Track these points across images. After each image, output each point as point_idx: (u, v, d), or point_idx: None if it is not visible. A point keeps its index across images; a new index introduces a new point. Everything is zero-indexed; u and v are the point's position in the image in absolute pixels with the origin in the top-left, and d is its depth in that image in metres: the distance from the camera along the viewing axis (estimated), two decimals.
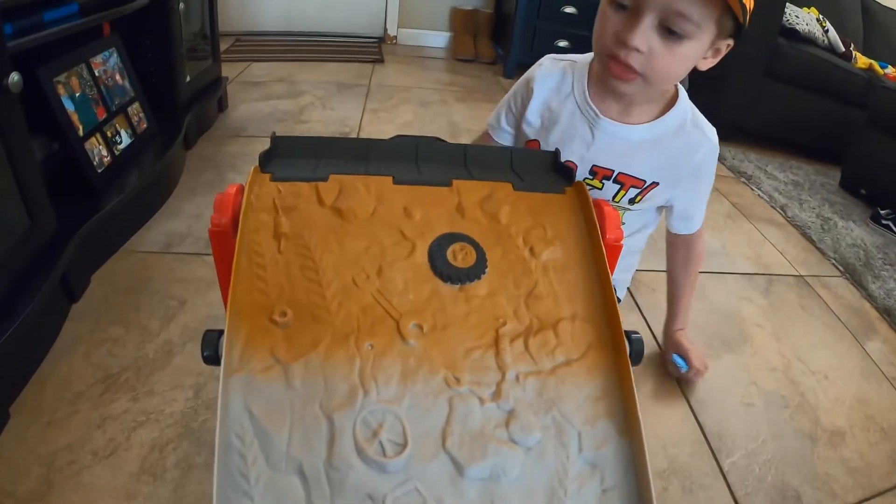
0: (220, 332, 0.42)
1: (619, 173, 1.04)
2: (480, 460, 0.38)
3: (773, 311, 1.76)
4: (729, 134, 3.07)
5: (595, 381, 0.43)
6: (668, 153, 1.05)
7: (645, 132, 1.02)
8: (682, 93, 1.06)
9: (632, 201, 1.11)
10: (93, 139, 1.54)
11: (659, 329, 1.55)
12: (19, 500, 0.97)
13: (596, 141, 1.02)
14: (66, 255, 1.29)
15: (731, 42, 0.90)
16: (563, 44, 3.41)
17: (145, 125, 1.81)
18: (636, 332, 0.46)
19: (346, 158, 0.56)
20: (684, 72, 0.91)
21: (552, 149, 0.66)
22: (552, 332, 0.45)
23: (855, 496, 1.23)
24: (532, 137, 1.07)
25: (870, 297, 1.94)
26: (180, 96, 2.05)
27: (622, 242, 0.54)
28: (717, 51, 0.92)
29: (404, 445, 0.38)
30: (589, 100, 1.01)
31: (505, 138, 1.17)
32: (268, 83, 2.94)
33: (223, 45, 2.52)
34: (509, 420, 0.40)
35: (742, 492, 1.18)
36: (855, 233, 2.38)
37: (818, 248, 2.20)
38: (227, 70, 2.60)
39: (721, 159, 2.81)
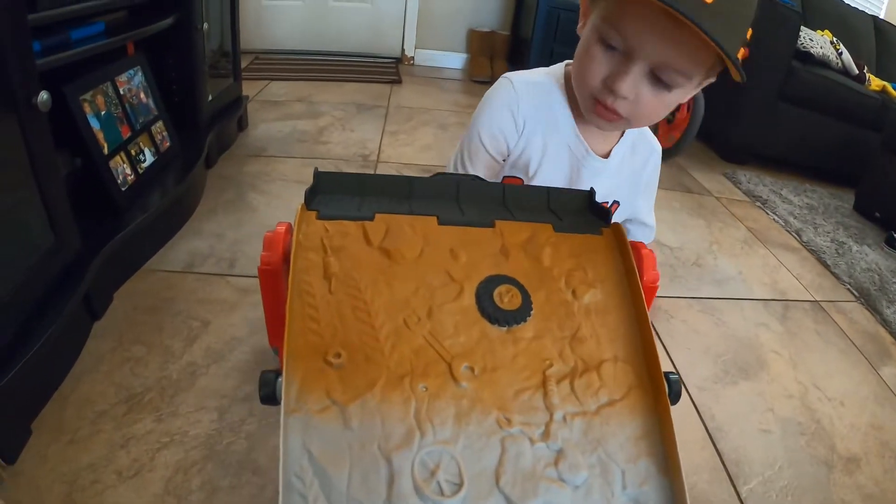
0: (278, 373, 0.43)
1: (614, 202, 1.05)
2: (532, 498, 0.39)
3: (790, 337, 1.76)
4: (744, 157, 3.11)
5: (636, 420, 0.44)
6: (627, 172, 1.04)
7: (617, 155, 1.00)
8: None
9: None
10: (117, 157, 1.56)
11: (680, 359, 1.56)
12: None
13: (581, 177, 1.00)
14: (90, 273, 1.31)
15: (714, 79, 0.84)
16: None
17: (168, 144, 1.84)
18: (674, 374, 0.47)
19: (389, 196, 0.57)
20: (666, 113, 0.88)
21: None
22: (596, 373, 0.46)
23: None
24: (513, 175, 1.04)
25: (884, 323, 1.94)
26: (202, 115, 2.07)
27: (658, 284, 0.56)
28: (700, 85, 0.87)
29: (461, 485, 0.39)
30: (578, 135, 0.97)
31: None
32: (287, 102, 2.97)
33: (242, 63, 2.54)
34: (558, 459, 0.41)
35: None
36: (870, 257, 2.38)
37: (833, 273, 2.20)
38: (247, 88, 2.62)
39: (736, 183, 2.83)
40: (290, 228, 0.55)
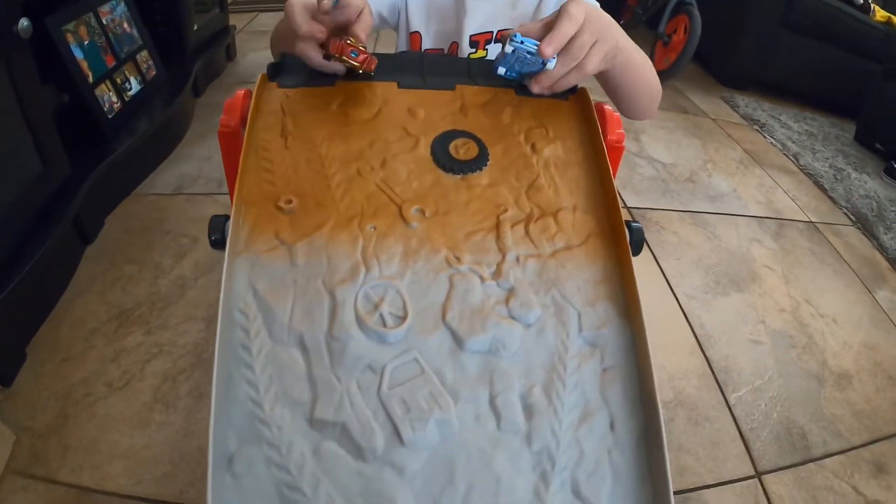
0: (227, 217, 0.42)
1: (499, 31, 1.00)
2: (480, 333, 0.38)
3: (784, 254, 1.76)
4: (743, 83, 3.06)
5: (595, 265, 0.44)
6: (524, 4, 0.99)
7: None
8: None
9: None
10: (102, 86, 1.55)
11: (669, 268, 1.56)
12: (37, 434, 1.00)
13: (467, 10, 0.97)
14: (79, 199, 1.31)
15: None
16: None
17: (154, 72, 1.81)
18: (636, 222, 0.47)
19: None
20: None
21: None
22: (553, 219, 0.46)
23: (860, 438, 1.25)
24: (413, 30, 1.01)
25: (881, 248, 1.94)
26: (188, 44, 2.04)
27: (623, 144, 0.55)
28: None
29: (404, 318, 0.38)
30: None
31: None
32: None
33: None
34: (509, 297, 0.41)
35: (748, 426, 1.19)
36: (868, 185, 2.36)
37: (830, 197, 2.18)
38: (235, 20, 2.59)
39: (734, 107, 2.80)
40: (248, 94, 0.54)
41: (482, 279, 0.41)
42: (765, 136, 2.58)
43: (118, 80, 1.62)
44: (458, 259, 0.42)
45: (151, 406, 1.06)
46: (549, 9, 0.97)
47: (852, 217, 2.08)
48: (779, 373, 1.34)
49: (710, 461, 1.11)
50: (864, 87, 2.75)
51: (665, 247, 1.66)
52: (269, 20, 3.08)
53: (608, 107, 0.55)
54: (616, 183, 0.49)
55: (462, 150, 0.49)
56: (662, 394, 1.21)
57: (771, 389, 1.29)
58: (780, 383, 1.31)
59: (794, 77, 2.99)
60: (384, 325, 0.38)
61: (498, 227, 0.44)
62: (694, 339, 1.37)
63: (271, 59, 0.59)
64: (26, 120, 1.18)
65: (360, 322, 0.38)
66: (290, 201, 0.43)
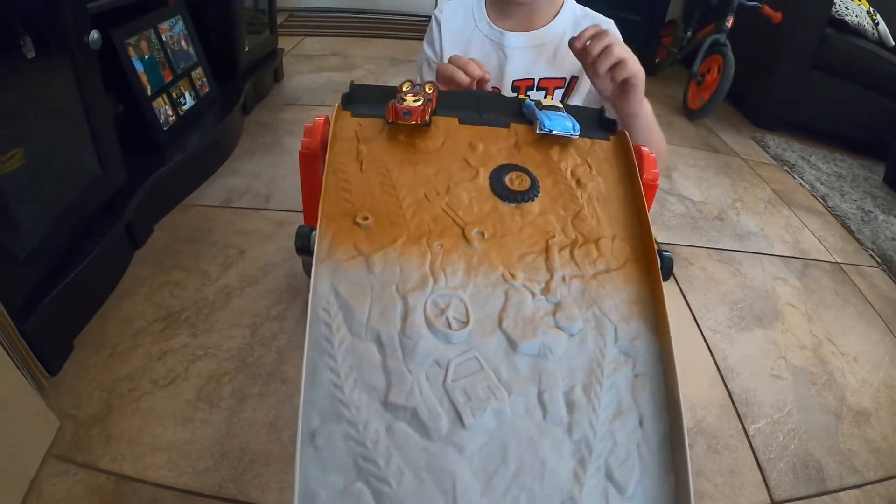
0: (311, 228, 0.49)
1: (540, 79, 1.09)
2: (531, 339, 0.44)
3: (808, 293, 1.77)
4: (774, 123, 3.08)
5: (630, 287, 0.49)
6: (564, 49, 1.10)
7: (547, 32, 1.07)
8: None
9: (562, 101, 1.15)
10: (159, 99, 1.64)
11: (696, 301, 1.60)
12: (80, 423, 1.06)
13: (509, 58, 1.08)
14: (133, 204, 1.39)
15: None
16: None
17: (207, 89, 1.91)
18: (667, 251, 0.52)
19: None
20: None
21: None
22: (594, 246, 0.52)
23: (876, 474, 1.26)
24: None
25: None
26: (240, 65, 2.15)
27: (658, 183, 0.61)
28: None
29: (466, 322, 0.44)
30: (491, 24, 1.09)
31: None
32: (322, 56, 3.04)
33: (277, 20, 2.61)
34: (556, 311, 0.46)
35: (765, 456, 1.22)
36: (895, 227, 2.36)
37: (856, 238, 2.19)
38: (282, 43, 2.69)
39: (764, 147, 2.82)
40: (327, 120, 0.61)
41: (533, 294, 0.47)
42: (794, 177, 2.60)
43: (174, 95, 1.71)
44: (513, 276, 0.48)
45: (195, 404, 1.11)
46: None
47: (878, 258, 2.09)
48: (798, 407, 1.36)
49: (727, 488, 1.14)
50: (894, 128, 2.76)
51: (692, 282, 1.69)
52: (314, 45, 3.21)
53: (645, 149, 0.61)
54: (649, 216, 0.55)
55: (516, 181, 0.56)
56: (686, 417, 1.24)
57: (789, 422, 1.32)
58: (799, 417, 1.33)
59: (824, 118, 3.01)
60: (449, 327, 0.44)
61: (547, 250, 0.50)
62: (716, 370, 1.40)
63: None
64: (90, 125, 1.26)
65: (428, 324, 0.44)
66: (366, 218, 0.50)
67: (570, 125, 0.61)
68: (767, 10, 2.73)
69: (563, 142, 0.62)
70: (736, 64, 2.68)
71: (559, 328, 0.45)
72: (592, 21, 1.09)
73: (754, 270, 1.82)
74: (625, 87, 0.77)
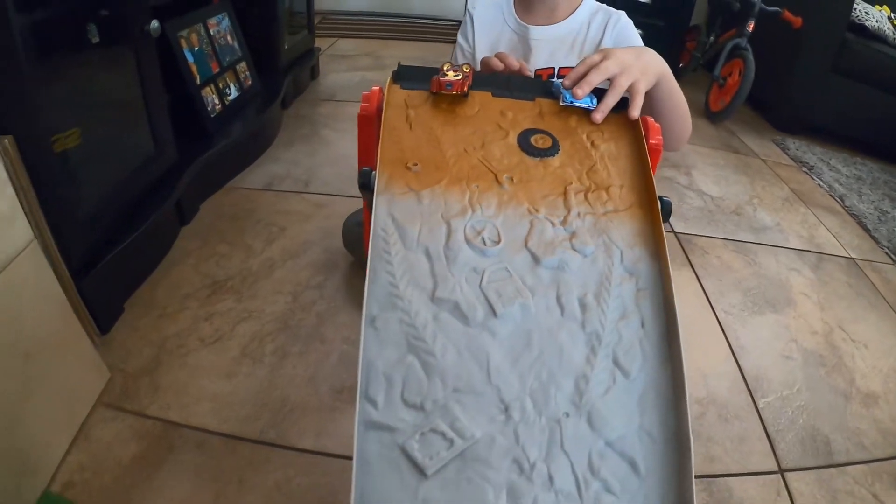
0: (371, 170, 0.59)
1: (560, 68, 1.19)
2: (551, 256, 0.53)
3: (821, 284, 1.83)
4: (795, 127, 3.13)
5: (635, 224, 0.59)
6: (591, 37, 1.20)
7: (566, 26, 1.18)
8: None
9: None
10: (207, 88, 1.76)
11: (710, 286, 1.68)
12: (129, 375, 1.16)
13: (533, 50, 1.19)
14: (182, 183, 1.50)
15: None
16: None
17: (250, 82, 2.03)
18: (667, 197, 0.61)
19: None
20: None
21: None
22: (605, 192, 0.61)
23: (884, 452, 1.31)
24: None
25: None
26: (280, 61, 2.28)
27: (661, 147, 0.70)
28: None
29: (498, 242, 0.54)
30: (518, 20, 1.20)
31: None
32: (355, 56, 3.17)
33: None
34: (572, 237, 0.56)
35: (774, 428, 1.29)
36: None
37: (872, 237, 2.24)
38: (319, 43, 2.83)
39: (784, 149, 2.88)
40: (381, 90, 0.72)
41: (553, 224, 0.57)
42: (812, 178, 2.64)
43: (220, 85, 1.83)
44: (537, 210, 0.58)
45: (239, 360, 1.21)
46: (619, 34, 1.18)
47: (893, 256, 2.13)
48: (807, 386, 1.42)
49: (736, 454, 1.22)
50: None
51: (707, 269, 1.77)
52: (347, 46, 3.34)
53: (651, 119, 0.71)
54: (651, 173, 0.65)
55: (540, 141, 0.66)
56: (696, 391, 1.33)
57: (798, 399, 1.38)
58: (808, 395, 1.40)
59: (845, 122, 3.05)
60: (485, 244, 0.53)
61: (565, 193, 0.60)
62: (728, 348, 1.47)
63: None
64: (147, 107, 1.38)
65: (467, 241, 0.53)
66: (415, 164, 0.60)
67: (588, 99, 0.71)
68: (788, 14, 2.79)
69: (580, 113, 0.72)
70: (756, 67, 2.75)
71: (574, 250, 0.54)
72: (605, 15, 1.19)
73: (769, 261, 1.89)
74: (631, 91, 0.85)
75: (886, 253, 2.14)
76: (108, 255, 1.21)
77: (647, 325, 0.51)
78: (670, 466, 0.44)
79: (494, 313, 0.49)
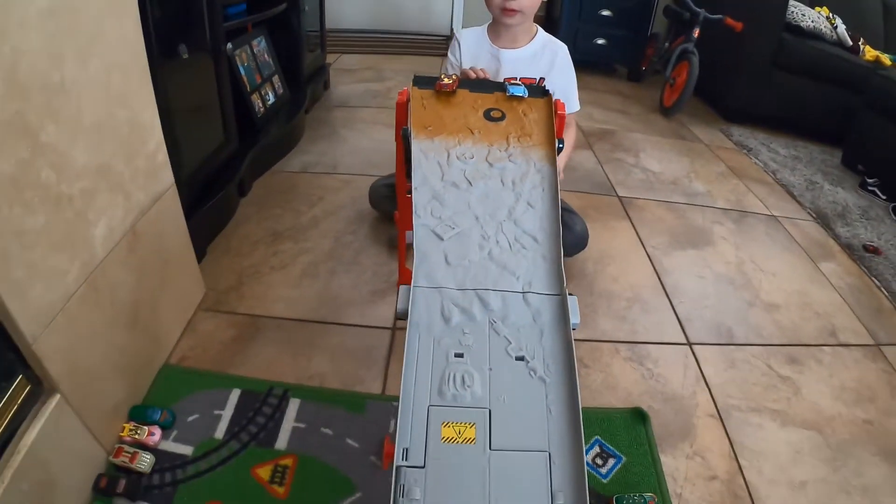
0: (406, 128, 1.07)
1: (521, 77, 1.60)
2: (499, 162, 1.01)
3: (740, 232, 2.21)
4: (742, 118, 3.50)
5: (542, 151, 1.06)
6: (543, 59, 1.68)
7: (527, 50, 1.67)
8: (539, 28, 1.69)
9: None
10: (254, 95, 2.25)
11: (643, 231, 2.10)
12: (220, 291, 1.60)
13: (502, 65, 1.67)
14: (243, 165, 1.99)
15: None
16: (601, 41, 3.96)
17: (282, 91, 2.52)
18: (562, 141, 1.09)
19: None
20: (538, 4, 1.57)
21: None
22: (529, 137, 1.08)
23: (779, 340, 1.64)
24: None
25: (835, 236, 2.24)
26: (303, 75, 2.77)
27: (565, 114, 1.17)
28: None
29: (472, 157, 1.02)
30: (492, 44, 1.68)
31: None
32: (359, 70, 3.65)
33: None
34: (510, 157, 1.03)
35: (686, 318, 1.69)
36: (840, 195, 2.67)
37: (797, 201, 2.53)
38: (327, 59, 3.30)
39: (728, 136, 3.27)
40: (408, 90, 1.18)
41: (500, 151, 1.04)
42: (750, 157, 2.96)
43: (262, 92, 2.32)
44: (492, 145, 1.05)
45: (301, 278, 1.67)
46: (560, 61, 1.70)
47: (813, 214, 2.39)
48: (716, 295, 1.78)
49: (654, 331, 1.62)
50: (850, 116, 3.07)
51: (642, 221, 2.18)
52: (350, 60, 3.84)
53: (560, 100, 1.17)
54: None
55: (495, 114, 1.13)
56: (624, 293, 1.77)
57: (707, 303, 1.74)
58: (716, 301, 1.76)
59: (787, 111, 3.37)
60: (465, 158, 1.02)
61: (507, 138, 1.08)
62: (653, 270, 1.89)
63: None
64: (221, 105, 1.85)
65: (457, 158, 1.02)
66: (429, 126, 1.08)
67: (523, 90, 1.18)
68: (730, 20, 3.18)
69: (520, 99, 1.18)
70: (707, 66, 3.16)
71: (510, 161, 1.03)
72: (553, 45, 1.70)
73: (695, 216, 2.29)
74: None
75: (808, 212, 2.44)
76: (197, 211, 1.65)
77: (544, 185, 0.99)
78: (555, 237, 0.92)
79: (471, 185, 0.98)
